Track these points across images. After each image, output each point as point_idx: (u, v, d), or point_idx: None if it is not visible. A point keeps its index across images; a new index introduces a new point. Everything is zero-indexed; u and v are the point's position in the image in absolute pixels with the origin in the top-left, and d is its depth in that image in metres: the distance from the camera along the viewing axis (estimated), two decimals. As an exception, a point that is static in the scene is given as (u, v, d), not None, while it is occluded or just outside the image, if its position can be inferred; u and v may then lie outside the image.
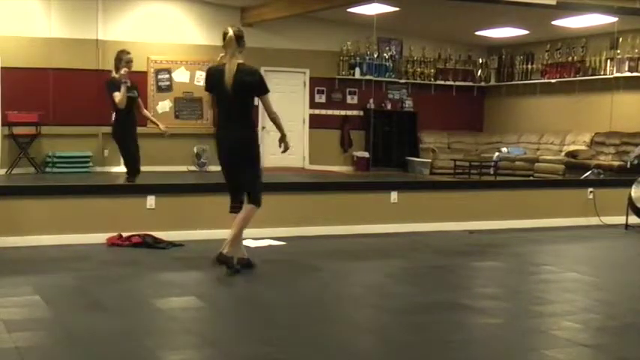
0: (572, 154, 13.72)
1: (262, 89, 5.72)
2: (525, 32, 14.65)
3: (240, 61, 5.67)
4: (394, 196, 8.31)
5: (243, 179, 5.82)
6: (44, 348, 4.03)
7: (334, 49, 15.14)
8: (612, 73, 13.82)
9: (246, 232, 7.38)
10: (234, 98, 5.62)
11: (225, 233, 7.33)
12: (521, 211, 8.80)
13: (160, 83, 14.07)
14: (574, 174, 12.65)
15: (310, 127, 15.15)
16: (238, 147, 5.74)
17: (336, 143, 15.42)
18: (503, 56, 16.25)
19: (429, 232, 8.14)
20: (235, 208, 5.91)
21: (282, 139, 5.88)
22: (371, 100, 15.25)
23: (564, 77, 14.78)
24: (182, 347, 4.11)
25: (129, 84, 8.06)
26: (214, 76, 5.71)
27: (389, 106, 15.81)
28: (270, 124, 6.32)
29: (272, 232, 6.89)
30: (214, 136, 6.02)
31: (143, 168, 10.57)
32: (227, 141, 5.78)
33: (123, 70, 8.04)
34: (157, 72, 13.94)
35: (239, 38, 5.62)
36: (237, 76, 5.58)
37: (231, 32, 5.59)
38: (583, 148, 13.91)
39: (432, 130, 16.03)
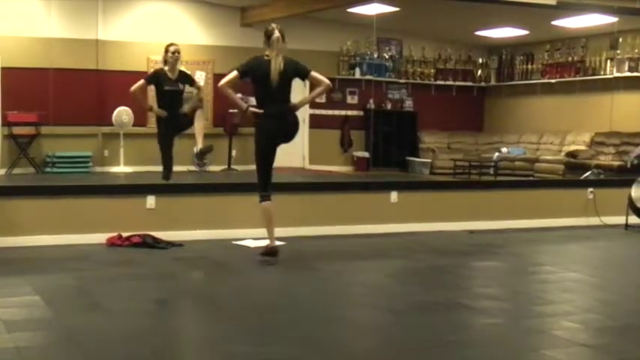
0: (572, 154, 13.72)
1: (306, 71, 6.36)
2: (525, 32, 14.65)
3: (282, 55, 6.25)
4: (394, 196, 8.31)
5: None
6: (44, 348, 4.03)
7: (334, 49, 15.13)
8: (612, 73, 13.81)
9: (246, 232, 7.42)
10: (283, 89, 6.25)
11: (224, 233, 7.37)
12: (521, 211, 8.79)
13: (160, 83, 14.05)
14: (574, 174, 12.64)
15: (310, 127, 15.13)
16: (292, 131, 6.40)
17: (336, 143, 15.41)
18: (503, 56, 16.25)
19: (429, 232, 8.14)
20: (267, 197, 6.34)
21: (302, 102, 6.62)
22: (371, 100, 15.25)
23: (564, 77, 14.77)
24: (182, 347, 4.11)
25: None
26: (259, 67, 6.20)
27: (389, 106, 15.80)
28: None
29: (272, 232, 6.89)
30: (261, 120, 6.28)
31: (143, 168, 10.57)
32: (282, 123, 6.29)
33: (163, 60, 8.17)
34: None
35: (283, 37, 6.24)
36: (286, 69, 6.20)
37: (277, 33, 6.19)
38: (583, 148, 13.91)
39: (432, 130, 16.02)
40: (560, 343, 4.25)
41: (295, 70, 6.33)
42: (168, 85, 8.08)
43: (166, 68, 8.15)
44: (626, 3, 11.69)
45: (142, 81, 8.18)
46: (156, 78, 8.23)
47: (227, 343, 4.18)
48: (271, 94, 6.23)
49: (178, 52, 8.18)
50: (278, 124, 6.30)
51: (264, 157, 6.39)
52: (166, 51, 8.16)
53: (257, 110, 6.26)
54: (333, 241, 7.47)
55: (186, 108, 8.25)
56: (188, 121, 8.21)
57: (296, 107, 6.39)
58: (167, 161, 8.24)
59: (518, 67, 15.89)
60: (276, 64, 6.16)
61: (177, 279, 5.99)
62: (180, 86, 8.19)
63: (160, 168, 8.37)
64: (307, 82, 6.84)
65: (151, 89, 8.50)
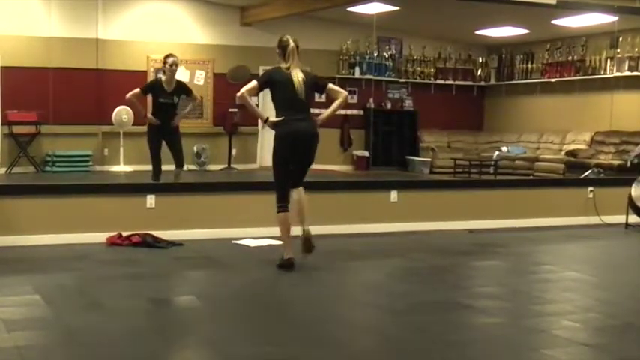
0: (572, 154, 13.72)
1: (324, 83, 6.39)
2: (525, 31, 14.64)
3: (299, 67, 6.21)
4: (394, 195, 8.31)
5: (306, 170, 6.29)
6: (44, 348, 4.04)
7: (334, 49, 15.12)
8: (612, 73, 13.81)
9: (246, 231, 7.42)
10: (305, 99, 6.17)
11: (224, 232, 7.37)
12: (521, 210, 8.79)
13: (160, 82, 14.06)
14: (574, 173, 12.64)
15: (310, 126, 15.13)
16: (314, 141, 6.24)
17: (336, 142, 15.39)
18: (503, 55, 16.24)
19: (429, 232, 8.14)
20: (285, 207, 6.14)
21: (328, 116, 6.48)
22: (371, 100, 15.23)
23: (564, 76, 14.77)
24: (182, 347, 4.11)
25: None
26: (281, 77, 6.12)
27: (389, 106, 15.80)
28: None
29: (272, 231, 6.88)
30: (281, 131, 6.14)
31: (143, 167, 10.51)
32: (302, 135, 6.15)
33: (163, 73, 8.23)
34: (157, 71, 13.91)
35: (297, 47, 6.26)
36: (306, 80, 6.15)
37: (292, 44, 6.20)
38: (583, 147, 13.91)
39: (431, 129, 16.01)
40: (560, 342, 4.26)
41: (314, 82, 6.30)
42: (163, 98, 8.14)
43: (163, 79, 8.14)
44: (626, 2, 11.69)
45: (137, 89, 8.26)
46: (152, 89, 8.30)
47: (227, 342, 4.18)
48: (296, 103, 6.12)
49: (176, 65, 8.15)
50: (302, 128, 6.14)
51: (283, 165, 6.17)
52: (164, 62, 8.15)
53: (277, 119, 6.14)
54: (333, 241, 7.47)
55: (176, 120, 8.32)
56: (175, 135, 8.28)
57: (318, 122, 6.31)
58: (156, 166, 8.35)
59: (518, 67, 15.88)
60: (297, 75, 6.11)
61: (178, 278, 5.99)
62: (175, 99, 8.20)
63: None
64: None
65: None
